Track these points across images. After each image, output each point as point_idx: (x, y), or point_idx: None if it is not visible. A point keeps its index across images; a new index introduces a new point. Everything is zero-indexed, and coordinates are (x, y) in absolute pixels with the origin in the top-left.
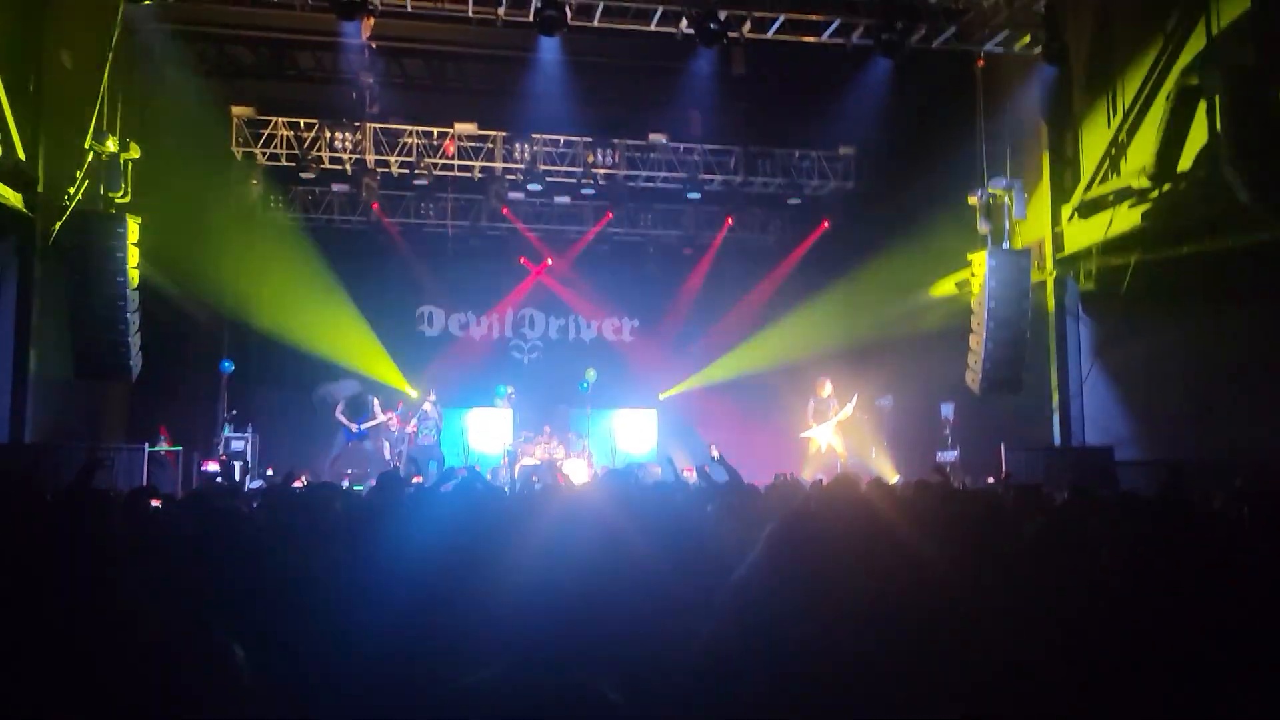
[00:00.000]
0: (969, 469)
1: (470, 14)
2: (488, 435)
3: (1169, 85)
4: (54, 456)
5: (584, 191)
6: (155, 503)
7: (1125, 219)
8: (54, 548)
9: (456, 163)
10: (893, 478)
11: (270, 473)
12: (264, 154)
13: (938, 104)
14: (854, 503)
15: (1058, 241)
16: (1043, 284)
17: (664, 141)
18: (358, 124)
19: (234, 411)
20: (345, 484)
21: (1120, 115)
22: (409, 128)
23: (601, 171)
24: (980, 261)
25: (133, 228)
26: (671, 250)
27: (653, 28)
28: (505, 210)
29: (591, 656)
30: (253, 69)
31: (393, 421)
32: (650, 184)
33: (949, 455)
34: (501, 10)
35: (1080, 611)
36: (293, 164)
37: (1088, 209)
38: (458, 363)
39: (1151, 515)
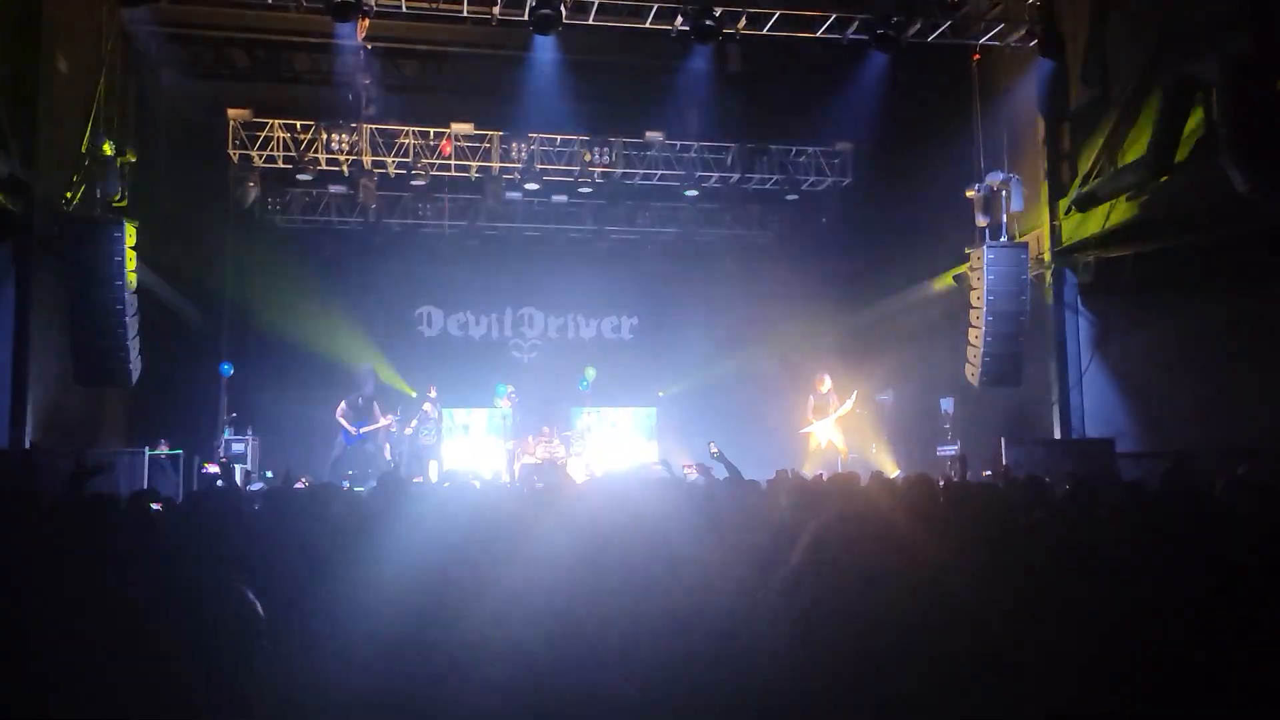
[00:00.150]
0: (970, 462)
1: (465, 13)
2: (487, 435)
3: (1166, 76)
4: (53, 462)
5: (581, 190)
6: (155, 506)
7: (1123, 211)
8: (54, 553)
9: (454, 163)
10: (893, 472)
11: (270, 475)
12: (261, 156)
13: (934, 98)
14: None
15: (1055, 234)
16: (1041, 277)
17: (661, 139)
18: (354, 125)
19: (234, 414)
20: (346, 485)
21: (1117, 107)
22: (406, 128)
23: (599, 170)
24: (978, 255)
25: (130, 232)
26: (669, 248)
27: (648, 25)
28: (503, 210)
29: (597, 655)
30: (249, 71)
31: (391, 425)
32: (647, 182)
33: (949, 449)
34: (496, 9)
35: (1083, 605)
36: (290, 166)
37: (1085, 201)
38: (457, 363)
39: (1154, 506)
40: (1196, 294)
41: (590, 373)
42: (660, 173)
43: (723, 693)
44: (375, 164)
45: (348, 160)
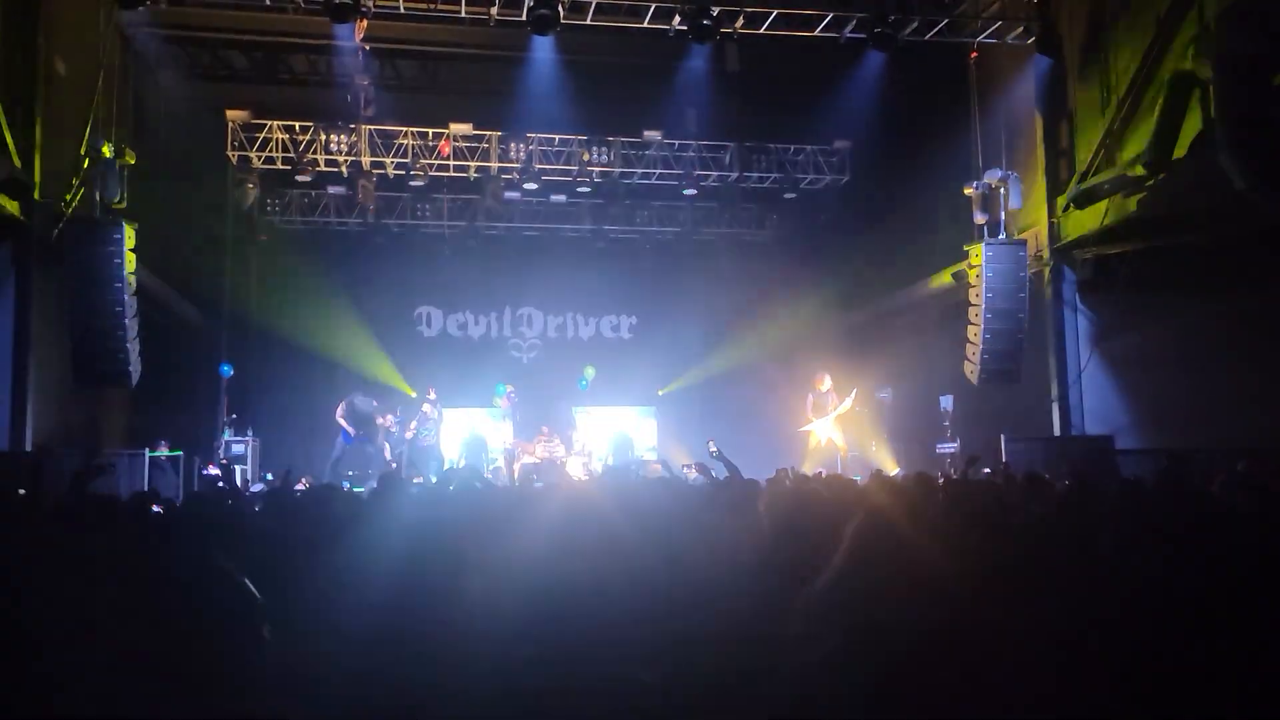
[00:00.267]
0: (964, 459)
1: (463, 14)
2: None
3: (1163, 73)
4: (55, 464)
5: (580, 190)
6: (156, 508)
7: (1121, 208)
8: (59, 554)
9: (452, 163)
10: (893, 470)
11: (270, 476)
12: (260, 157)
13: (932, 96)
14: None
15: (1054, 231)
16: (1040, 274)
17: (659, 139)
18: (353, 126)
19: (234, 415)
20: (346, 486)
21: (1115, 104)
22: (404, 129)
23: (597, 170)
24: (977, 253)
25: (130, 233)
26: (668, 247)
27: (646, 25)
28: (502, 210)
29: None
30: (247, 73)
31: (390, 425)
32: (646, 181)
33: (949, 447)
34: (494, 10)
35: (1082, 602)
36: (288, 167)
37: (1084, 199)
38: (456, 363)
39: (1152, 504)
40: (1195, 291)
41: (589, 372)
42: (658, 172)
43: (725, 688)
44: (374, 165)
45: (346, 161)
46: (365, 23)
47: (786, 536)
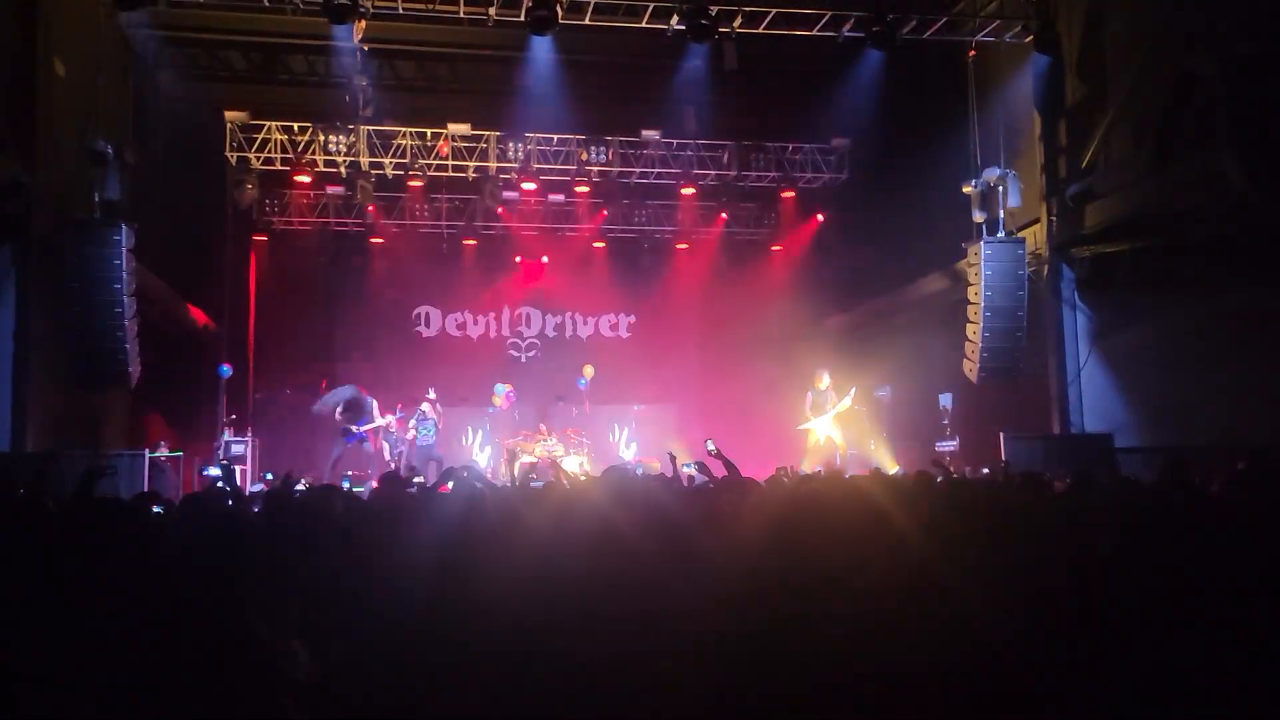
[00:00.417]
0: (969, 458)
1: (462, 14)
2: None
3: (1162, 71)
4: (57, 465)
5: (578, 189)
6: (157, 508)
7: (1120, 206)
8: (66, 556)
9: (451, 163)
10: (892, 468)
11: (270, 476)
12: (258, 158)
13: (930, 94)
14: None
15: (1053, 229)
16: (1039, 272)
17: (657, 138)
18: (351, 126)
19: (233, 416)
20: (346, 486)
21: (1113, 102)
22: (403, 129)
23: (595, 169)
24: (975, 251)
25: (129, 234)
26: (667, 246)
27: (644, 24)
28: (500, 210)
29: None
30: (246, 74)
31: (393, 424)
32: (644, 180)
33: (948, 445)
34: (493, 10)
35: (1082, 600)
36: (287, 167)
37: (1082, 197)
38: (455, 363)
39: (1152, 502)
40: (1194, 290)
41: (589, 371)
42: (657, 171)
43: (729, 683)
44: (372, 165)
45: (345, 161)
46: (363, 23)
47: (787, 535)
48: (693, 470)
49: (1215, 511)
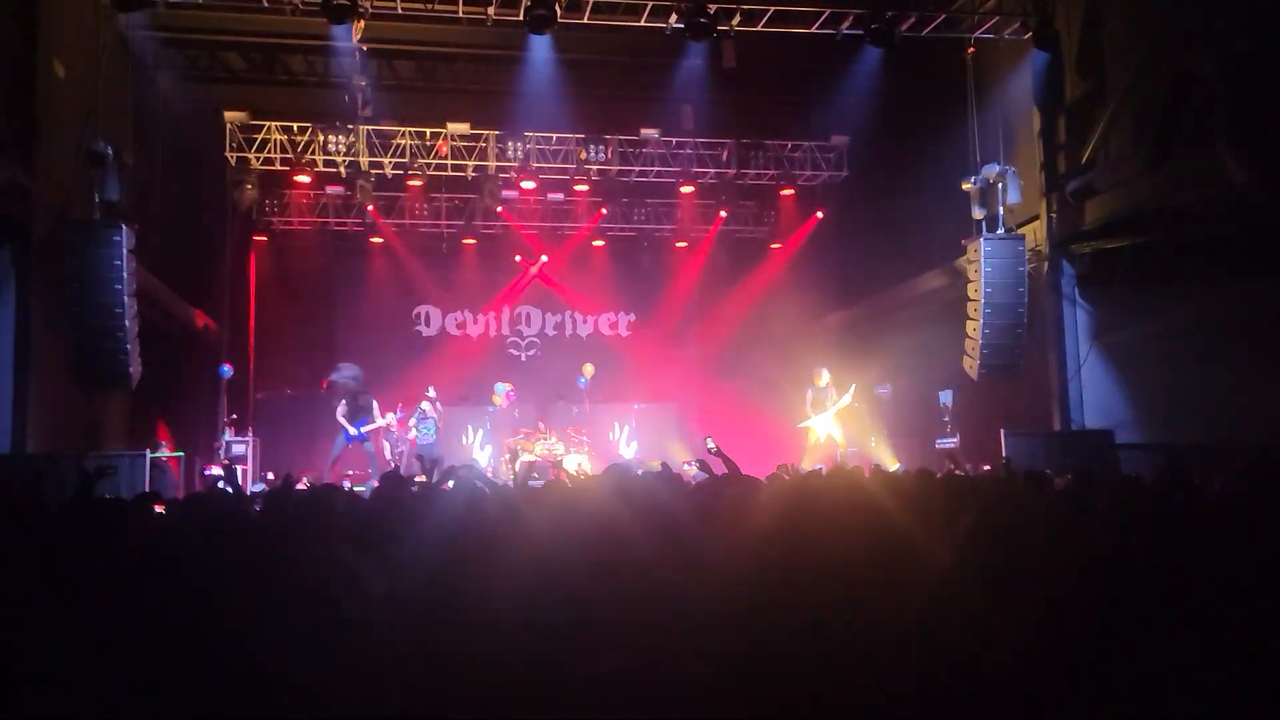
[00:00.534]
0: (969, 455)
1: (460, 14)
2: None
3: (1161, 67)
4: (58, 466)
5: (577, 188)
6: (158, 509)
7: (1120, 202)
8: (65, 556)
9: (450, 162)
10: (892, 466)
11: (270, 476)
12: (258, 158)
13: (929, 92)
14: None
15: (1052, 226)
16: (1038, 269)
17: (656, 136)
18: (350, 126)
19: (234, 416)
20: (347, 485)
21: (1113, 99)
22: (402, 129)
23: (594, 168)
24: (975, 248)
25: (129, 235)
26: (666, 244)
27: (643, 23)
28: (499, 209)
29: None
30: (245, 74)
31: (393, 424)
32: (643, 179)
33: (949, 442)
34: (491, 9)
35: (1087, 596)
36: (287, 168)
37: (1082, 193)
38: (456, 362)
39: (1153, 500)
40: (1194, 285)
41: (588, 370)
42: (656, 169)
43: (734, 684)
44: (372, 165)
45: (344, 161)
46: (362, 23)
47: (790, 533)
48: (694, 468)
49: (1216, 509)
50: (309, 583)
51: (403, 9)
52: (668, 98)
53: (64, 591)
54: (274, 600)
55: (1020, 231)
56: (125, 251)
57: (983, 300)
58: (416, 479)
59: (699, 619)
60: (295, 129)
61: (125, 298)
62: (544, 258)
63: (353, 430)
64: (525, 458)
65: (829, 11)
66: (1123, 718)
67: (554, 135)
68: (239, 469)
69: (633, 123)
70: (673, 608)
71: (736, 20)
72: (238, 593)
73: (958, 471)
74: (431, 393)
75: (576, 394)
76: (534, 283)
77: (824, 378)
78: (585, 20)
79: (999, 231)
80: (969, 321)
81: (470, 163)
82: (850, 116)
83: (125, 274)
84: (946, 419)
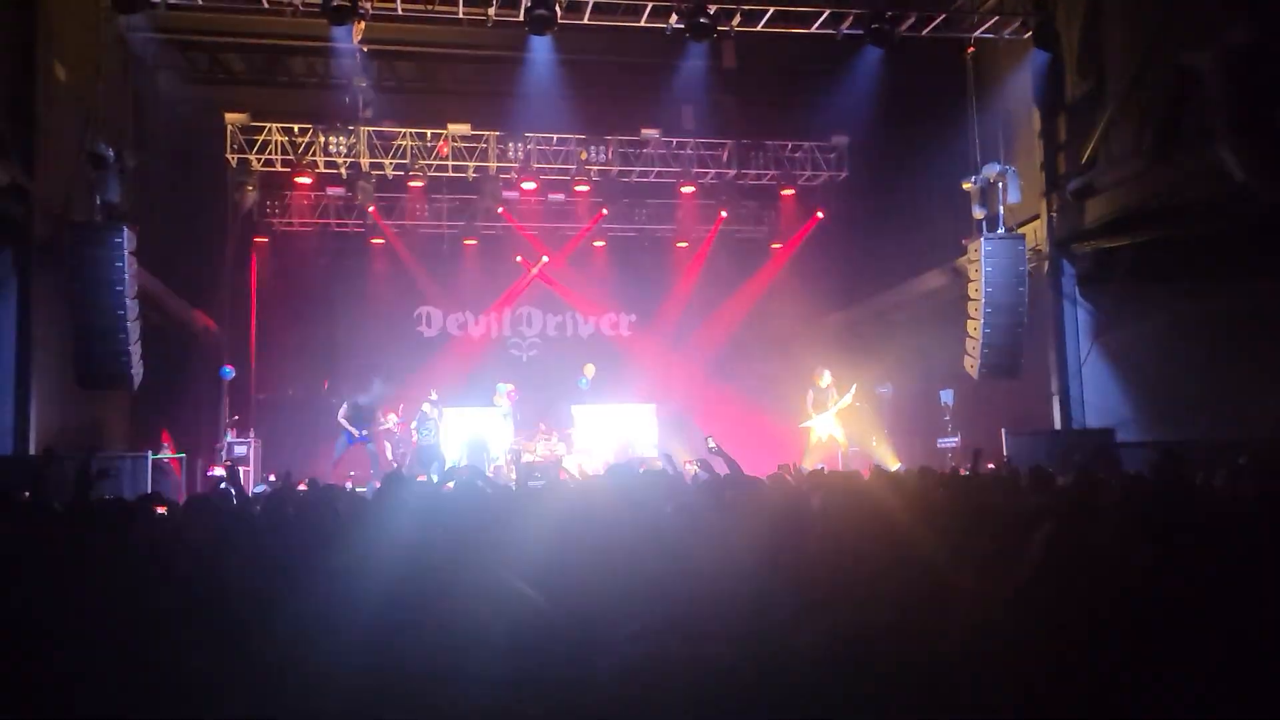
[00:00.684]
0: (970, 454)
1: (461, 15)
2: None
3: (1162, 65)
4: (58, 467)
5: (578, 189)
6: (160, 510)
7: (1120, 201)
8: (67, 558)
9: (451, 163)
10: (894, 465)
11: (272, 478)
12: (259, 160)
13: (930, 91)
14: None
15: (1053, 225)
16: (1039, 268)
17: (656, 136)
18: (351, 128)
19: (235, 417)
20: (349, 486)
21: (1113, 98)
22: (403, 130)
23: (595, 168)
24: (976, 247)
25: (130, 237)
26: (667, 244)
27: (643, 24)
28: (500, 209)
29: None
30: (246, 76)
31: (395, 425)
32: (644, 179)
33: (950, 441)
34: (492, 11)
35: (1084, 596)
36: (287, 169)
37: (1082, 192)
38: (456, 362)
39: (1155, 497)
40: (1195, 284)
41: (589, 370)
42: (656, 170)
43: (728, 682)
44: (373, 166)
45: (345, 162)
46: (363, 24)
47: (789, 532)
48: (695, 468)
49: (1217, 508)
50: (309, 583)
51: (403, 10)
52: (668, 98)
53: (65, 592)
54: (275, 601)
55: (1021, 231)
56: (126, 253)
57: (983, 300)
58: (418, 479)
59: (699, 620)
60: (296, 130)
61: (126, 299)
62: (545, 258)
63: (355, 433)
64: (526, 458)
65: (829, 11)
66: (1122, 717)
67: (555, 136)
68: (241, 470)
69: (633, 123)
70: (673, 608)
71: (736, 21)
72: (239, 594)
73: (970, 470)
74: (434, 395)
75: (578, 394)
76: (535, 283)
77: (825, 377)
78: (585, 21)
79: (999, 231)
80: (970, 321)
81: (471, 164)
82: (850, 116)
83: (126, 276)
84: (948, 418)
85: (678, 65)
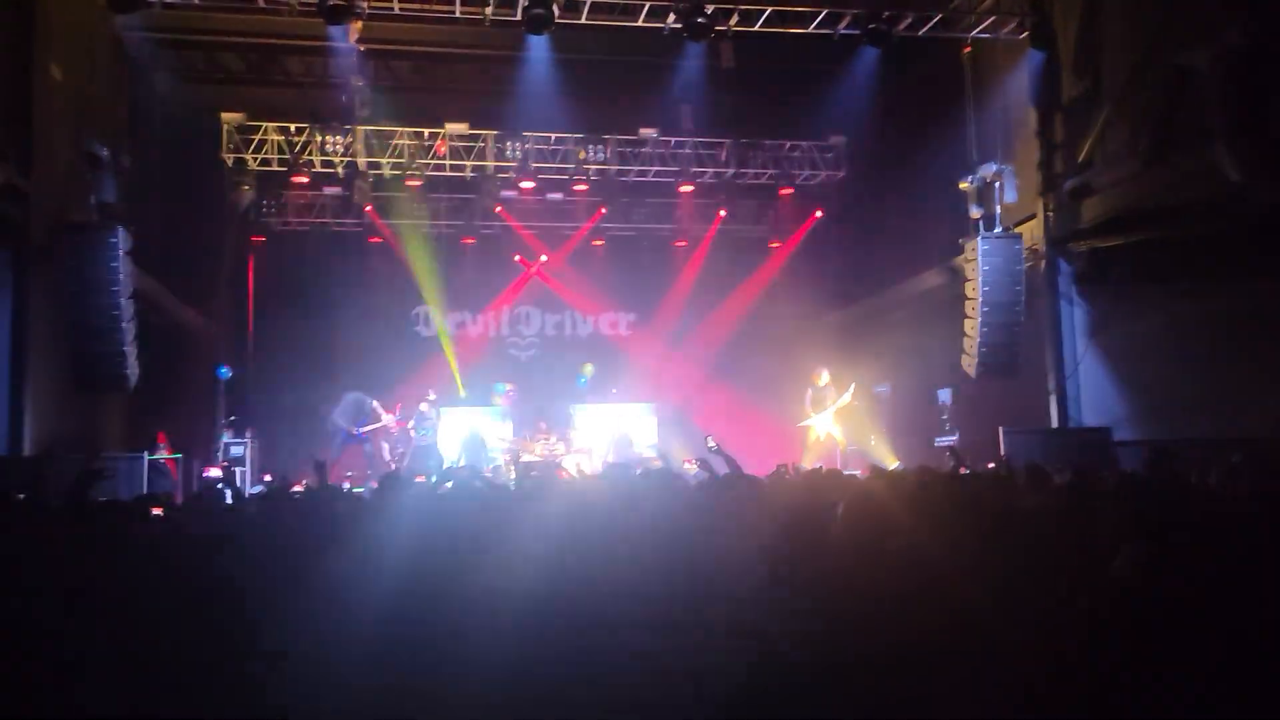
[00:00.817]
0: (969, 453)
1: (458, 14)
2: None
3: (1158, 65)
4: (55, 468)
5: (576, 188)
6: (157, 511)
7: (1117, 201)
8: (64, 558)
9: (448, 163)
10: (892, 464)
11: (268, 479)
12: (255, 159)
13: (927, 91)
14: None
15: (1049, 225)
16: (1036, 267)
17: (655, 136)
18: (348, 127)
19: (232, 417)
20: (346, 486)
21: (1109, 98)
22: (400, 129)
23: (593, 167)
24: (973, 247)
25: (126, 237)
26: (665, 244)
27: (640, 23)
28: (498, 209)
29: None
30: (242, 75)
31: (392, 425)
32: (642, 178)
33: (948, 440)
34: (489, 10)
35: (1087, 594)
36: (284, 168)
37: (1079, 192)
38: (455, 362)
39: (1151, 495)
40: (1191, 283)
41: (588, 369)
42: (655, 169)
43: (728, 679)
44: (370, 165)
45: (342, 162)
46: (359, 23)
47: (789, 531)
48: (695, 467)
49: (1212, 504)
50: (309, 583)
51: (400, 9)
52: (666, 98)
53: (63, 592)
54: (272, 601)
55: (1017, 230)
56: (122, 254)
57: (980, 299)
58: (416, 479)
59: (699, 620)
60: (293, 130)
61: (122, 300)
62: (543, 257)
63: (352, 431)
64: (526, 458)
65: (826, 11)
66: (1122, 716)
67: (552, 135)
68: (237, 471)
69: (631, 123)
70: (673, 608)
71: (734, 20)
72: (235, 593)
73: (962, 469)
74: (431, 395)
75: (577, 394)
76: (534, 283)
77: (824, 377)
78: (583, 20)
79: (996, 230)
80: (967, 320)
81: (469, 163)
82: (848, 116)
83: (122, 276)
84: (945, 417)
85: (676, 65)
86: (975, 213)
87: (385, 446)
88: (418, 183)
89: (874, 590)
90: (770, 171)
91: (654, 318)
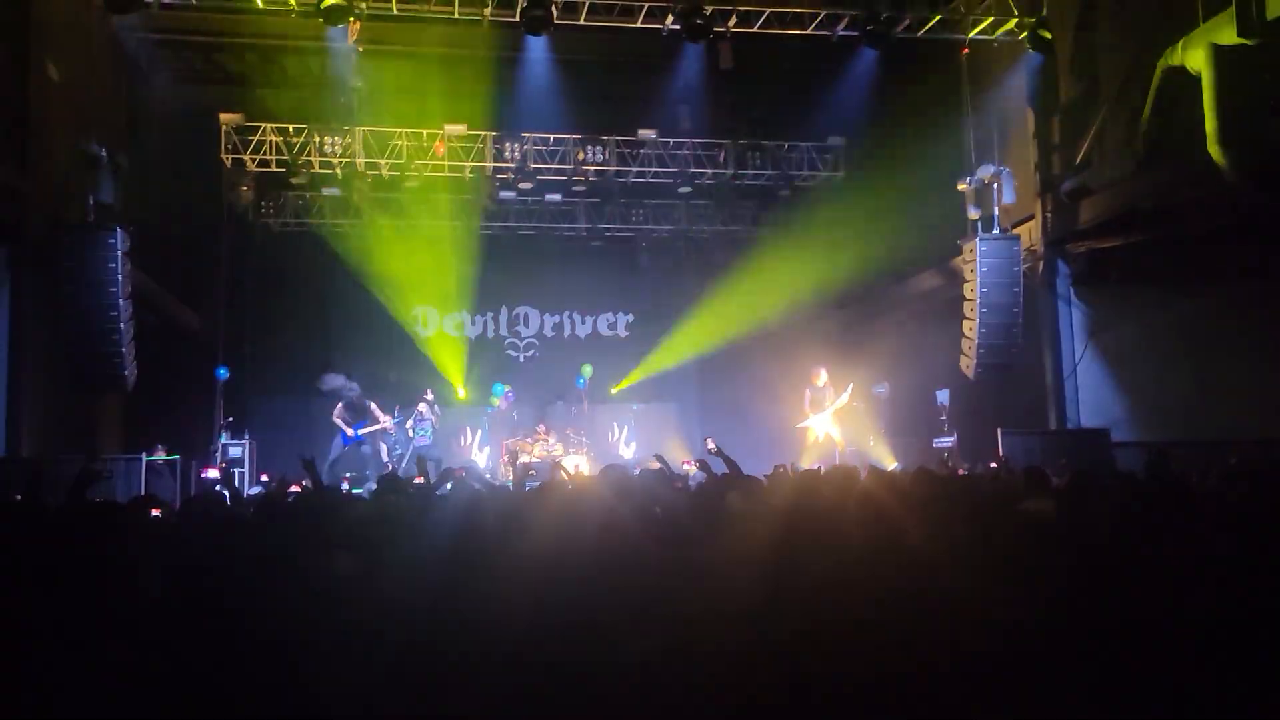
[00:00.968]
0: (967, 454)
1: (456, 15)
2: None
3: (1155, 66)
4: (53, 469)
5: (575, 189)
6: (155, 512)
7: (1114, 201)
8: (61, 560)
9: (447, 164)
10: (891, 465)
11: (266, 479)
12: (254, 160)
13: (925, 92)
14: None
15: (1047, 225)
16: (1034, 268)
17: (653, 137)
18: (347, 128)
19: (230, 418)
20: (345, 487)
21: (1106, 99)
22: (398, 130)
23: (592, 169)
24: (971, 248)
25: (124, 238)
26: (664, 245)
27: (639, 25)
28: (498, 210)
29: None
30: (240, 76)
31: (391, 425)
32: (641, 180)
33: (946, 441)
34: (488, 11)
35: (1086, 594)
36: (283, 169)
37: (1076, 193)
38: (454, 363)
39: (1148, 496)
40: (1188, 284)
41: (587, 370)
42: (653, 170)
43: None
44: (368, 166)
45: (341, 163)
46: (358, 25)
47: (790, 530)
48: (694, 468)
49: (1208, 507)
50: (308, 586)
51: (398, 10)
52: (665, 99)
53: (60, 595)
54: (272, 604)
55: (1015, 231)
56: (120, 254)
57: (978, 300)
58: (415, 481)
59: (699, 621)
60: (291, 130)
61: (120, 300)
62: (542, 257)
63: (350, 431)
64: (524, 459)
65: (825, 13)
66: (1122, 715)
67: (551, 136)
68: (236, 472)
69: (630, 124)
70: (673, 610)
71: (733, 21)
72: (234, 596)
73: (959, 471)
74: (429, 395)
75: (575, 395)
76: (533, 283)
77: (822, 377)
78: (581, 21)
79: (994, 231)
80: (965, 321)
81: (467, 164)
82: (846, 117)
83: (120, 277)
84: (944, 418)
85: (674, 66)
86: (973, 214)
87: (384, 448)
88: (416, 183)
89: (876, 592)
90: (769, 172)
91: (653, 318)
